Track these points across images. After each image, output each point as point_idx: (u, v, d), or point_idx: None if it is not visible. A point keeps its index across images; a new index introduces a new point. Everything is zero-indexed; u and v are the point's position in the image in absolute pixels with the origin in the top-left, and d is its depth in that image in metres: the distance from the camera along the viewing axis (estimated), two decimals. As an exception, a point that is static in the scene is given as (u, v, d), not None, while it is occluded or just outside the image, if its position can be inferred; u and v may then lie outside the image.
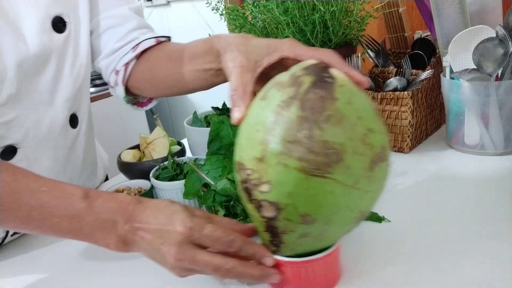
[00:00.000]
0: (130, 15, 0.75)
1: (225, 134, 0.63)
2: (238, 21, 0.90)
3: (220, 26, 1.09)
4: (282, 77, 0.43)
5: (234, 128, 0.64)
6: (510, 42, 0.72)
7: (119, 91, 0.77)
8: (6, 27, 0.58)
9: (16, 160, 0.64)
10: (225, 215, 0.59)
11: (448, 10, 0.80)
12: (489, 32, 0.74)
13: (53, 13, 0.64)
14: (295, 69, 0.43)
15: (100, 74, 0.80)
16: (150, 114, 2.41)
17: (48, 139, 0.67)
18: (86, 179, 0.80)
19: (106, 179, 0.94)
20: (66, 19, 0.66)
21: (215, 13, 0.95)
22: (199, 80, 0.65)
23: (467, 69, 0.75)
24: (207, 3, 0.98)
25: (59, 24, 0.65)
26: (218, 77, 0.62)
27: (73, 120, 0.72)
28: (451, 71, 0.78)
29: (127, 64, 0.74)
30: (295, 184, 0.39)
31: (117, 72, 0.75)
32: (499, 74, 0.75)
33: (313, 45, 0.86)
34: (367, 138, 0.39)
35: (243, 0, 0.91)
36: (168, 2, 2.34)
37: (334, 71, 0.42)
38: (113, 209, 0.47)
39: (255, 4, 0.86)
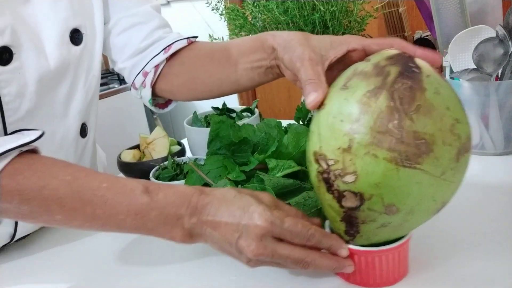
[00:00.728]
0: (153, 13, 0.73)
1: (225, 134, 0.63)
2: (238, 21, 0.90)
3: (220, 26, 1.09)
4: (363, 66, 0.42)
5: (234, 128, 0.64)
6: (510, 42, 0.72)
7: (146, 93, 0.74)
8: (28, 42, 0.57)
9: None
10: (225, 215, 0.59)
11: (448, 10, 0.80)
12: (489, 32, 0.74)
13: (71, 25, 0.63)
14: (377, 59, 0.42)
15: (101, 74, 0.77)
16: (150, 114, 2.41)
17: (60, 150, 0.66)
18: None
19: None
20: (83, 31, 0.65)
21: (215, 13, 0.95)
22: (246, 80, 0.64)
23: (467, 69, 0.75)
24: (207, 3, 0.98)
25: (76, 37, 0.64)
26: (267, 75, 0.62)
27: (83, 130, 0.70)
28: (451, 71, 0.78)
29: (157, 66, 0.71)
30: (383, 175, 0.39)
31: (145, 74, 0.72)
32: (499, 74, 0.75)
33: (313, 45, 0.86)
34: (454, 129, 0.39)
35: (243, 0, 0.91)
36: (168, 2, 2.34)
37: (419, 61, 0.41)
38: (175, 202, 0.46)
39: (255, 4, 0.86)
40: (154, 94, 0.75)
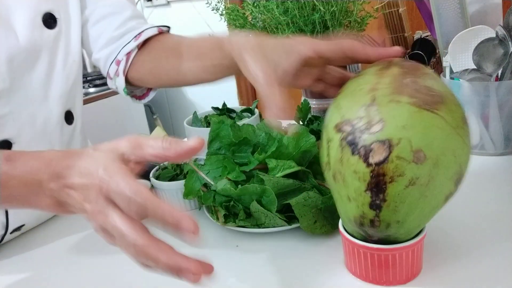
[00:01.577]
0: (126, 4, 0.75)
1: (225, 134, 0.63)
2: (238, 21, 0.90)
3: (220, 26, 1.09)
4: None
5: (234, 128, 0.64)
6: (510, 42, 0.72)
7: (119, 82, 0.76)
8: None
9: None
10: (225, 216, 0.60)
11: (448, 10, 0.80)
12: (489, 32, 0.74)
13: (43, 9, 0.65)
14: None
15: (100, 74, 0.80)
16: (150, 114, 2.41)
17: (44, 134, 0.68)
18: None
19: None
20: (56, 16, 0.67)
21: (215, 13, 0.95)
22: (208, 74, 0.64)
23: (467, 69, 0.75)
24: (207, 3, 0.98)
25: (49, 21, 0.66)
26: (230, 72, 0.61)
27: (68, 117, 0.72)
28: (451, 71, 0.78)
29: (128, 54, 0.74)
30: (409, 116, 0.41)
31: (118, 62, 0.74)
32: (499, 74, 0.75)
33: (313, 45, 0.85)
34: (456, 100, 0.45)
35: (243, 0, 0.91)
36: (168, 2, 2.34)
37: None
38: (35, 167, 0.42)
39: (255, 4, 0.86)
40: (130, 84, 0.77)
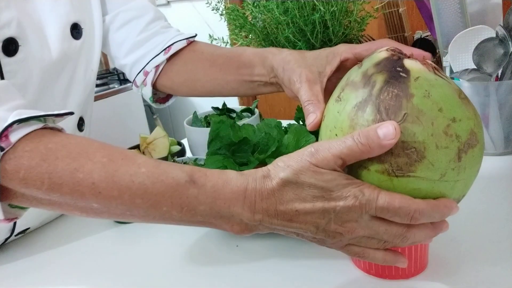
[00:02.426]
0: (148, 6, 0.75)
1: (225, 134, 0.63)
2: (238, 21, 0.90)
3: (220, 26, 1.09)
4: (354, 76, 0.42)
5: (234, 128, 0.64)
6: (510, 42, 0.71)
7: (146, 91, 0.76)
8: (33, 35, 0.59)
9: None
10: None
11: (448, 10, 0.80)
12: (489, 32, 0.74)
13: (72, 20, 0.65)
14: (367, 66, 0.42)
15: (100, 74, 0.79)
16: (150, 114, 2.41)
17: None
18: None
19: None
20: (82, 26, 0.66)
21: (215, 13, 0.95)
22: (245, 88, 0.67)
23: (467, 69, 0.75)
24: (207, 3, 0.98)
25: (76, 31, 0.66)
26: (267, 88, 0.65)
27: (80, 124, 0.71)
28: (451, 71, 0.78)
29: (157, 66, 0.74)
30: (379, 186, 0.38)
31: (146, 73, 0.74)
32: (499, 74, 0.75)
33: (313, 45, 0.86)
34: (450, 129, 0.38)
35: (243, 0, 0.91)
36: (168, 2, 2.34)
37: (408, 63, 0.40)
38: (228, 197, 0.40)
39: (255, 4, 0.86)
40: (155, 88, 0.77)
